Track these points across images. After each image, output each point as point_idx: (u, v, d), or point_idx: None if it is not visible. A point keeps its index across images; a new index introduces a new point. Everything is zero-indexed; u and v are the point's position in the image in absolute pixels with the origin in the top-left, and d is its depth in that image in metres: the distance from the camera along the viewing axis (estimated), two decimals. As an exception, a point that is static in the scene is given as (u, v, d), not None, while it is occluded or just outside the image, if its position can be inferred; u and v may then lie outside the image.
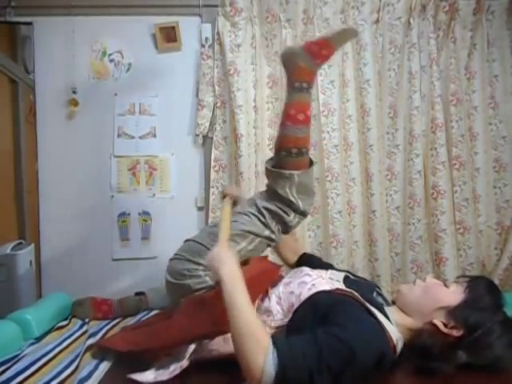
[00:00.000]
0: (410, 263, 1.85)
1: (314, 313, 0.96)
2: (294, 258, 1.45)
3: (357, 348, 0.84)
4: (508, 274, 1.82)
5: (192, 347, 1.00)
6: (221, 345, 1.03)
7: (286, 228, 1.24)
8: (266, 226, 1.20)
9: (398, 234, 1.89)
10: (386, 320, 0.97)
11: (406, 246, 1.87)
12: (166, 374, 0.96)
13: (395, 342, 0.93)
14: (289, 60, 1.22)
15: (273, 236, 1.21)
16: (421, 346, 0.96)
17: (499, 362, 0.93)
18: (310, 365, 0.82)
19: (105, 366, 1.04)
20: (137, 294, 1.58)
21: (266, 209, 1.20)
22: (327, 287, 1.04)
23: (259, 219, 1.20)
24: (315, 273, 1.13)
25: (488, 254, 1.89)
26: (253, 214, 1.21)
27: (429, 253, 1.87)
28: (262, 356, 0.82)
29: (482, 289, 0.99)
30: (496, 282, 1.76)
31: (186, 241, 1.23)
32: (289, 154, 1.19)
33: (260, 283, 1.13)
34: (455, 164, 1.86)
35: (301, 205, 1.20)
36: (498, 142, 1.90)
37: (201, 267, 1.14)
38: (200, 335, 1.01)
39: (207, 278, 1.14)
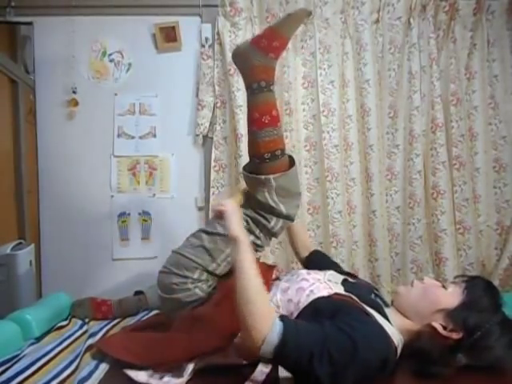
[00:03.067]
0: (410, 263, 1.85)
1: (315, 319, 0.94)
2: (304, 253, 1.45)
3: (360, 346, 0.84)
4: (508, 274, 1.82)
5: (191, 366, 0.98)
6: (219, 359, 1.02)
7: (271, 234, 1.21)
8: (250, 231, 1.17)
9: (397, 234, 1.89)
10: (386, 322, 0.96)
11: (406, 246, 1.86)
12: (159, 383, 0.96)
13: (397, 344, 0.93)
14: (241, 60, 1.17)
15: (258, 242, 1.19)
16: (420, 349, 0.95)
17: (499, 363, 0.93)
18: (313, 347, 0.83)
19: (105, 366, 1.04)
20: (136, 293, 1.58)
21: (247, 215, 1.17)
22: (325, 292, 1.02)
23: (242, 224, 1.17)
24: (312, 276, 1.10)
25: (488, 254, 1.89)
26: None
27: (429, 253, 1.87)
28: (268, 325, 0.83)
29: (480, 290, 0.98)
30: (496, 282, 1.76)
31: (173, 252, 1.21)
32: (262, 161, 1.15)
33: None
34: (455, 164, 1.86)
35: (283, 209, 1.16)
36: (497, 142, 1.90)
37: (189, 280, 1.13)
38: (199, 353, 1.00)
39: (197, 290, 1.13)
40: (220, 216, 1.06)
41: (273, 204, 1.15)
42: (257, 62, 1.13)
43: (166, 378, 0.97)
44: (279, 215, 1.17)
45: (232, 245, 0.98)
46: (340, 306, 0.96)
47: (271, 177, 1.13)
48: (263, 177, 1.14)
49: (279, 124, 1.18)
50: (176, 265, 1.15)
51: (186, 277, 1.13)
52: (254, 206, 1.18)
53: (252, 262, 0.92)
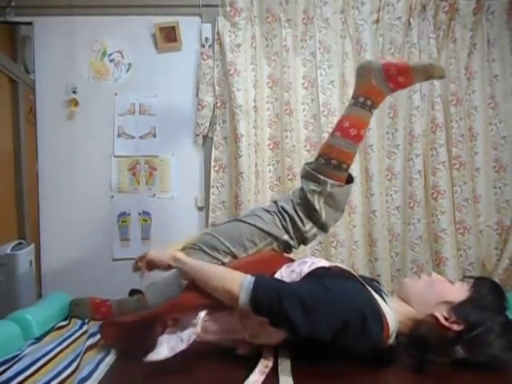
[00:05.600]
0: (410, 263, 1.85)
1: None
2: None
3: (336, 293, 0.91)
4: (508, 274, 1.82)
5: (202, 314, 1.02)
6: (227, 324, 1.04)
7: (303, 239, 1.23)
8: (287, 230, 1.20)
9: (397, 234, 1.89)
10: (383, 301, 0.98)
11: (406, 246, 1.86)
12: (182, 345, 0.97)
13: (390, 324, 0.94)
14: (363, 73, 1.20)
15: (291, 242, 1.21)
16: (419, 336, 0.96)
17: (496, 362, 0.94)
18: (281, 290, 0.93)
19: (105, 366, 1.03)
20: (132, 290, 1.57)
21: (285, 211, 1.20)
22: (326, 265, 1.09)
23: (281, 221, 1.20)
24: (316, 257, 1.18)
25: (488, 254, 1.89)
26: (275, 214, 1.21)
27: (429, 253, 1.87)
28: (240, 280, 0.96)
29: (486, 289, 0.99)
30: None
31: (207, 233, 1.25)
32: (327, 164, 1.18)
33: (267, 265, 1.14)
34: (455, 164, 1.86)
35: (323, 216, 1.19)
36: (498, 142, 1.90)
37: (219, 262, 1.17)
38: (209, 302, 1.03)
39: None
40: (147, 262, 1.19)
41: (317, 207, 1.18)
42: (375, 82, 1.17)
43: (186, 337, 0.98)
44: (316, 222, 1.21)
45: (174, 266, 1.12)
46: (336, 275, 1.01)
47: (329, 181, 1.16)
48: (322, 177, 1.17)
49: (359, 144, 1.22)
50: (209, 246, 1.19)
51: (216, 258, 1.17)
52: (297, 203, 1.20)
53: (196, 260, 1.09)
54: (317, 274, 1.02)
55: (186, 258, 1.10)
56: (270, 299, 0.91)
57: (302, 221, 1.19)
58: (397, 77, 1.16)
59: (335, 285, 0.94)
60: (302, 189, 1.22)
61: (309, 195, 1.18)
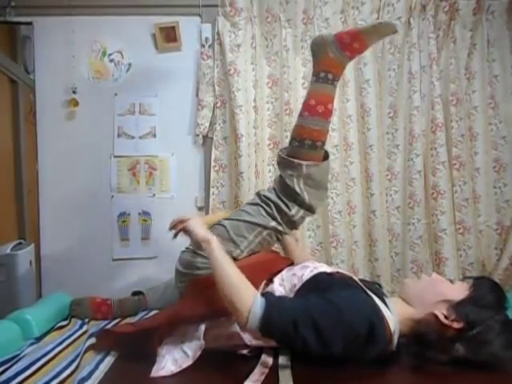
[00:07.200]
0: (410, 263, 1.85)
1: (315, 289, 1.00)
2: None
3: (345, 310, 0.90)
4: (508, 274, 1.82)
5: (202, 328, 1.01)
6: (225, 329, 1.04)
7: (292, 223, 1.23)
8: (273, 217, 1.19)
9: (398, 234, 1.89)
10: (385, 306, 0.98)
11: (406, 246, 1.87)
12: (189, 360, 0.98)
13: (392, 329, 0.94)
14: (318, 48, 1.20)
15: (280, 228, 1.21)
16: (419, 333, 0.97)
17: (495, 361, 0.94)
18: (296, 314, 0.90)
19: (105, 366, 1.03)
20: (134, 293, 1.57)
21: (269, 199, 1.20)
22: (328, 270, 1.09)
23: (265, 210, 1.20)
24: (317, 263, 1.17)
25: (488, 254, 1.89)
26: (259, 205, 1.21)
27: (429, 253, 1.87)
28: (251, 299, 0.92)
29: (486, 288, 1.00)
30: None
31: None
32: (301, 145, 1.18)
33: (266, 267, 1.16)
34: (455, 164, 1.86)
35: (306, 197, 1.19)
36: (498, 142, 1.90)
37: None
38: (208, 313, 1.03)
39: None
40: (184, 230, 1.13)
41: (298, 190, 1.18)
42: (332, 55, 1.17)
43: (191, 352, 0.99)
44: (301, 205, 1.20)
45: (204, 247, 1.04)
46: (339, 281, 1.02)
47: (304, 163, 1.16)
48: (296, 161, 1.17)
49: (330, 119, 1.22)
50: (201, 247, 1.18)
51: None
52: (279, 190, 1.20)
53: (225, 255, 1.02)
54: (319, 281, 1.02)
55: (218, 248, 1.03)
56: (284, 326, 0.89)
57: (287, 205, 1.19)
58: (351, 44, 1.16)
59: (341, 297, 0.94)
60: (280, 176, 1.22)
61: (287, 180, 1.18)
